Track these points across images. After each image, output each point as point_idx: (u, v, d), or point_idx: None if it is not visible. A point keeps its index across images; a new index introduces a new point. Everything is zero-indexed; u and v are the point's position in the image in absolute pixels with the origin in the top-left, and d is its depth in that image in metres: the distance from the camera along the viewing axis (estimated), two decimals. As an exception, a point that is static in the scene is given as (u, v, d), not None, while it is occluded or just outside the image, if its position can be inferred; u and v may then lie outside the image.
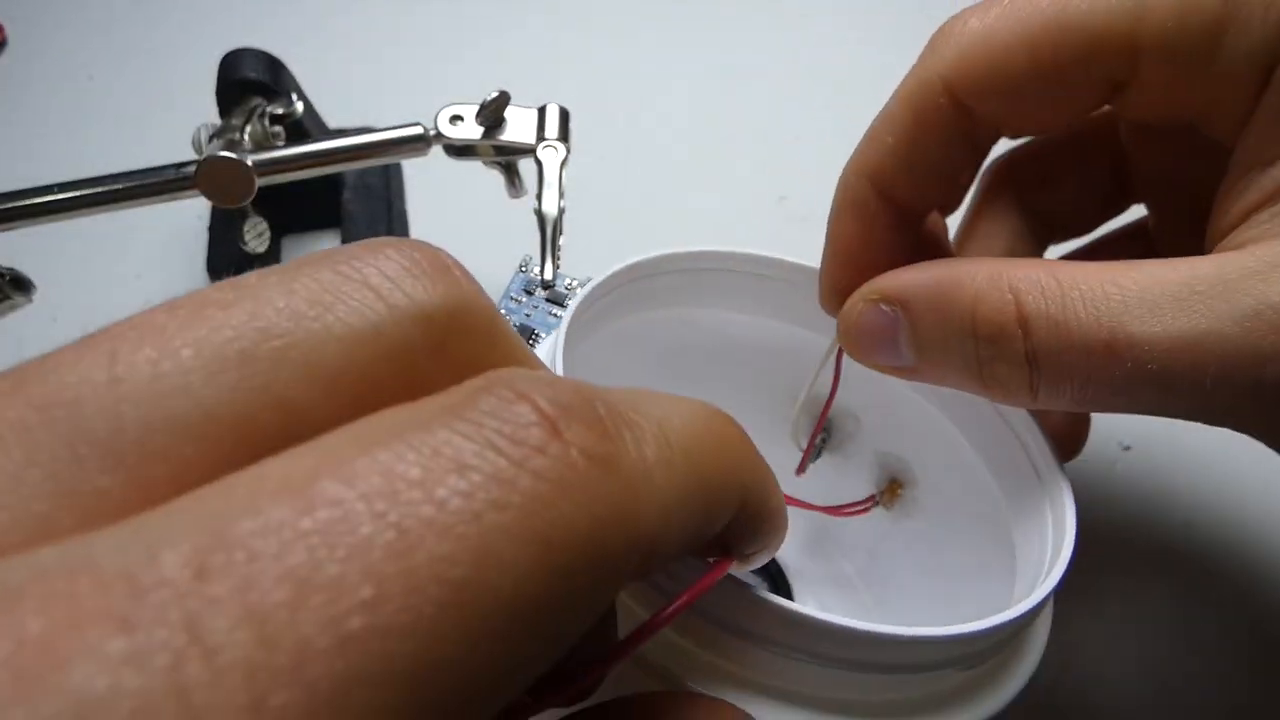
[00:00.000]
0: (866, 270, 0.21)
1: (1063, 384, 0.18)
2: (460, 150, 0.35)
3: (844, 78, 0.53)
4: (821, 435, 0.26)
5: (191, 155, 0.36)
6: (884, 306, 0.20)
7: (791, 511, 0.24)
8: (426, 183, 0.49)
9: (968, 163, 0.23)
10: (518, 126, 0.34)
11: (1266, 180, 0.18)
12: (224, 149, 0.34)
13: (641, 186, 0.49)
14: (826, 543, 0.31)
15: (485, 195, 0.45)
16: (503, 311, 0.34)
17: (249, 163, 0.34)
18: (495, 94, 0.33)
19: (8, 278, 0.41)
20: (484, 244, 0.47)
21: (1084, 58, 0.19)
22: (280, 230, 0.46)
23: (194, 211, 0.48)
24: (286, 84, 0.41)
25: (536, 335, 0.32)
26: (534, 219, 0.33)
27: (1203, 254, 0.18)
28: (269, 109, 0.39)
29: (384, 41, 0.56)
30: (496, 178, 0.37)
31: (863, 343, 0.21)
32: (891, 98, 0.22)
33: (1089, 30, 0.19)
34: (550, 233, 0.31)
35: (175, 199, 0.36)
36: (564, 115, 0.34)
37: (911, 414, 0.25)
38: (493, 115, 0.33)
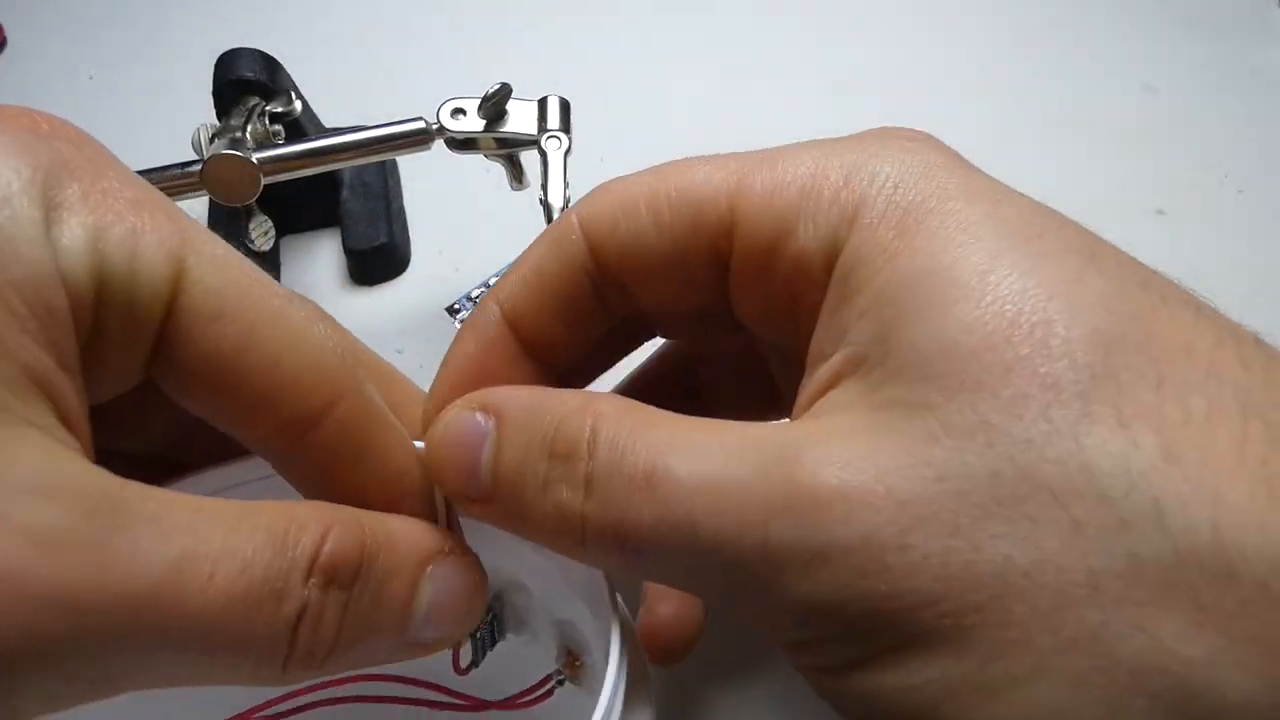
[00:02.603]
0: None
1: (607, 520, 0.17)
2: (463, 143, 0.35)
3: (845, 77, 0.54)
4: (488, 620, 0.22)
5: (191, 156, 0.36)
6: (479, 415, 0.18)
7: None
8: (423, 179, 0.49)
9: (597, 319, 0.22)
10: (519, 118, 0.34)
11: (823, 372, 0.18)
12: (228, 148, 0.34)
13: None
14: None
15: (480, 190, 0.45)
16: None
17: (254, 160, 0.34)
18: (497, 86, 0.33)
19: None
20: (481, 238, 0.47)
21: (691, 227, 0.19)
22: (279, 230, 0.46)
23: (193, 212, 0.48)
24: (284, 83, 0.41)
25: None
26: (529, 211, 0.33)
27: None
28: (268, 108, 0.39)
29: (376, 40, 0.57)
30: (491, 172, 0.37)
31: (445, 457, 0.19)
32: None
33: (695, 198, 0.19)
34: (556, 221, 0.31)
35: (180, 199, 0.36)
36: (565, 106, 0.35)
37: (579, 570, 0.21)
38: (495, 108, 0.34)
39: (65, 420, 0.15)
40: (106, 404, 0.17)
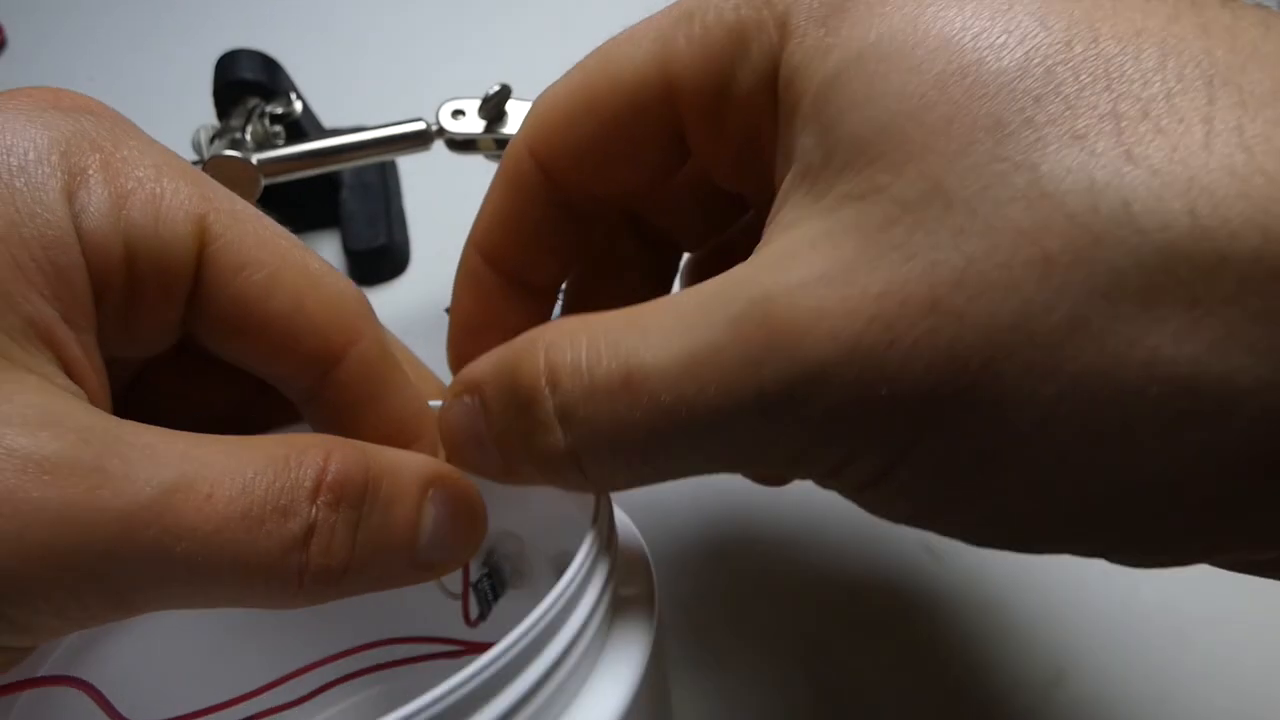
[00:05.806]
0: (491, 347, 0.19)
1: (598, 446, 0.16)
2: (462, 145, 0.35)
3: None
4: (482, 572, 0.22)
5: (192, 157, 0.36)
6: (466, 399, 0.18)
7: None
8: (423, 180, 0.49)
9: (573, 232, 0.22)
10: (519, 119, 0.34)
11: (777, 201, 0.17)
12: (228, 149, 0.34)
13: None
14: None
15: (481, 191, 0.45)
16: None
17: (254, 161, 0.34)
18: (497, 87, 0.33)
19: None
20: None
21: (633, 109, 0.19)
22: (281, 229, 0.46)
23: (194, 212, 0.48)
24: (283, 84, 0.41)
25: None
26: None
27: None
28: (268, 109, 0.39)
29: (376, 40, 0.57)
30: (491, 173, 0.37)
31: (455, 448, 0.19)
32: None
33: (629, 80, 0.19)
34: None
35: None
36: (565, 109, 0.35)
37: (553, 502, 0.21)
38: (495, 109, 0.34)
39: (69, 370, 0.16)
40: (154, 381, 0.19)
